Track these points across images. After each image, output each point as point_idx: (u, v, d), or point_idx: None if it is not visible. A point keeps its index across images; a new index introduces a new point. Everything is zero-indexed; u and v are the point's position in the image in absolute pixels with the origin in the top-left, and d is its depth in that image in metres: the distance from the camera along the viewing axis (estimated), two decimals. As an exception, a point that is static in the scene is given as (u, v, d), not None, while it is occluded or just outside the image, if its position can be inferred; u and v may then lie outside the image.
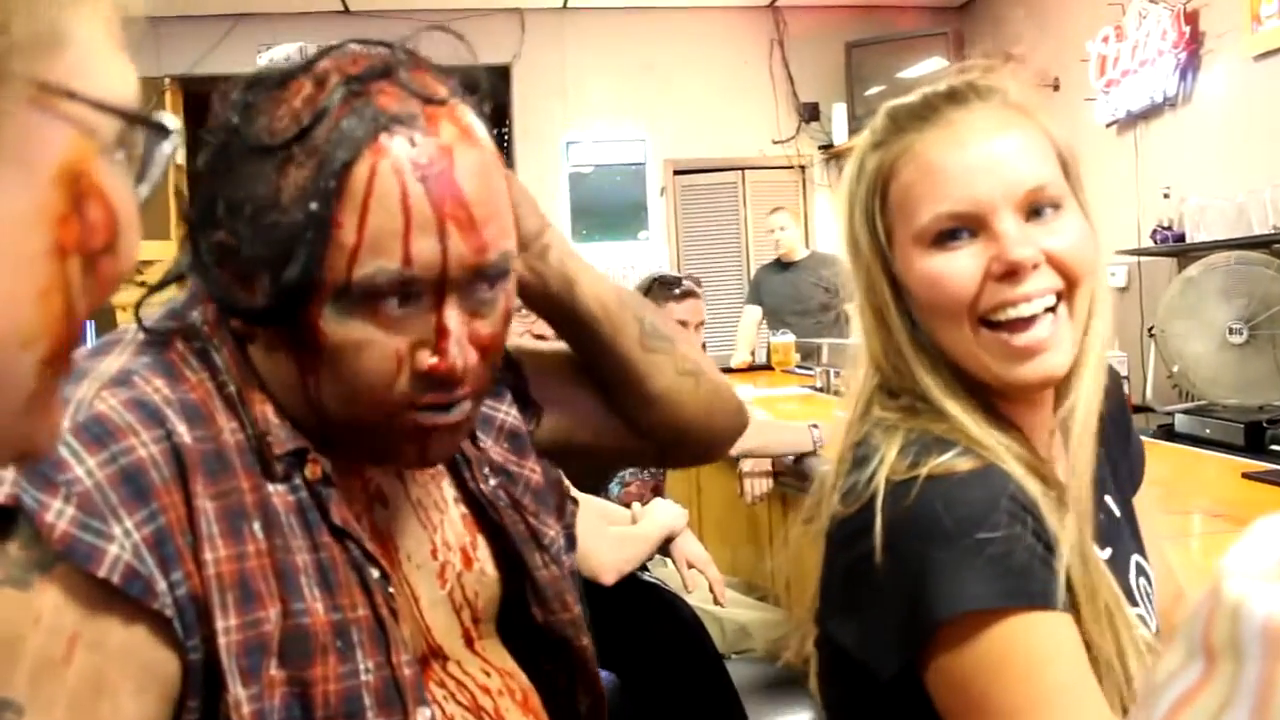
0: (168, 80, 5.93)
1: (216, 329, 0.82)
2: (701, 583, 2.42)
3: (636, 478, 3.11)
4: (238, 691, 0.73)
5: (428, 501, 0.94)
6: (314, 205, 0.74)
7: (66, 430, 0.72)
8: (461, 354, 0.79)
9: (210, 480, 0.76)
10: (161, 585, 0.71)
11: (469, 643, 0.94)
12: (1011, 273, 0.91)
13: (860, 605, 0.93)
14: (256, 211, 0.75)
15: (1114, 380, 1.14)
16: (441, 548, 0.93)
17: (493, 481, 0.97)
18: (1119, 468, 1.13)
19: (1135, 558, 1.07)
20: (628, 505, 2.54)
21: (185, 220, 0.80)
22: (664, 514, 2.41)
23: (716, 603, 2.43)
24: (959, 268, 0.93)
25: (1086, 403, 0.97)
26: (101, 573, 0.69)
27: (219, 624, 0.73)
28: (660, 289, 3.10)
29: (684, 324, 3.07)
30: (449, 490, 0.96)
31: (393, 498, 0.91)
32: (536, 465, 1.02)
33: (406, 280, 0.75)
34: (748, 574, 3.38)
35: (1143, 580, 1.07)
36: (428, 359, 0.78)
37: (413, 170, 0.75)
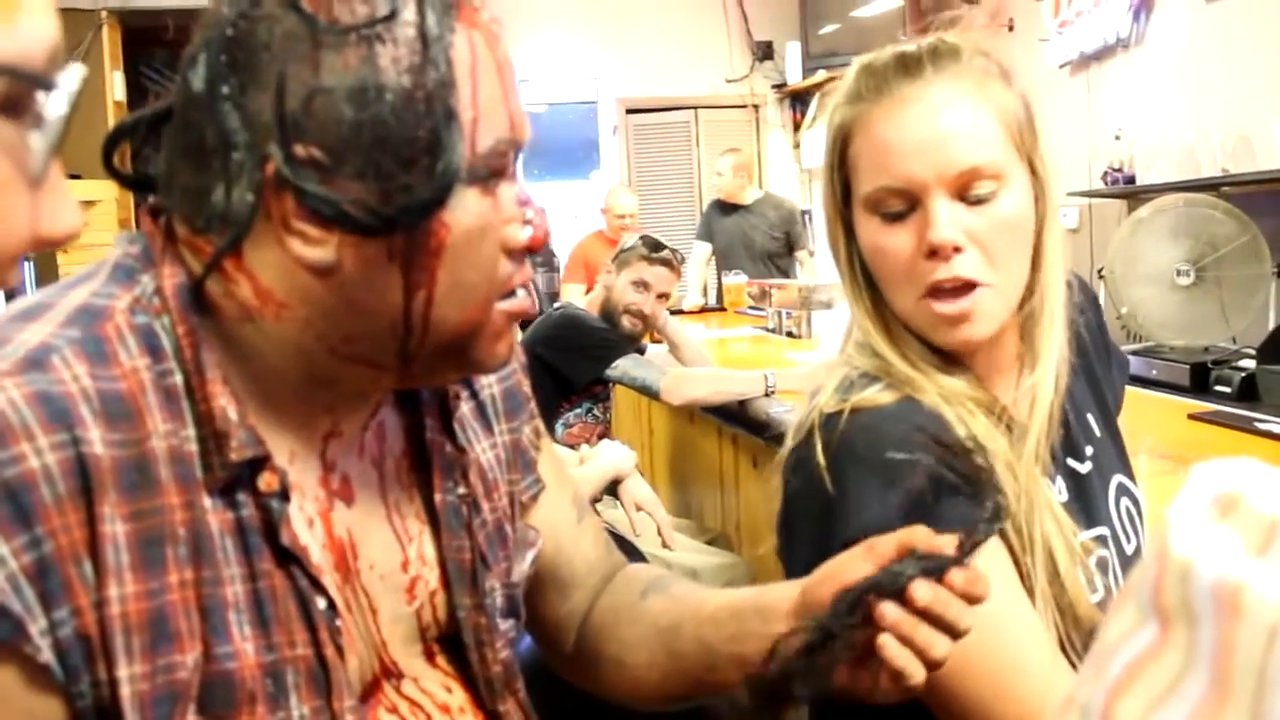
0: (104, 14, 5.73)
1: (172, 302, 0.71)
2: (650, 526, 2.42)
3: (581, 420, 3.08)
4: None
5: (406, 508, 0.84)
6: (432, 85, 0.68)
7: None
8: (544, 221, 0.77)
9: (126, 497, 0.65)
10: (40, 624, 0.62)
11: (429, 657, 0.85)
12: (934, 252, 0.96)
13: (795, 530, 1.00)
14: (355, 104, 0.67)
15: (1090, 298, 1.18)
16: (415, 561, 0.83)
17: (459, 492, 0.86)
18: (1101, 386, 1.15)
19: (1118, 478, 1.10)
20: (574, 448, 2.52)
21: (236, 146, 0.68)
22: (611, 456, 2.39)
23: (665, 546, 2.43)
24: (897, 244, 0.98)
25: (1047, 354, 1.01)
26: None
27: (122, 671, 0.64)
28: (640, 247, 3.06)
29: (644, 285, 3.04)
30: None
31: (363, 497, 0.81)
32: (501, 504, 0.91)
33: (514, 146, 0.74)
34: (698, 517, 3.38)
35: (1126, 500, 1.09)
36: (521, 232, 0.75)
37: (493, 39, 0.74)
